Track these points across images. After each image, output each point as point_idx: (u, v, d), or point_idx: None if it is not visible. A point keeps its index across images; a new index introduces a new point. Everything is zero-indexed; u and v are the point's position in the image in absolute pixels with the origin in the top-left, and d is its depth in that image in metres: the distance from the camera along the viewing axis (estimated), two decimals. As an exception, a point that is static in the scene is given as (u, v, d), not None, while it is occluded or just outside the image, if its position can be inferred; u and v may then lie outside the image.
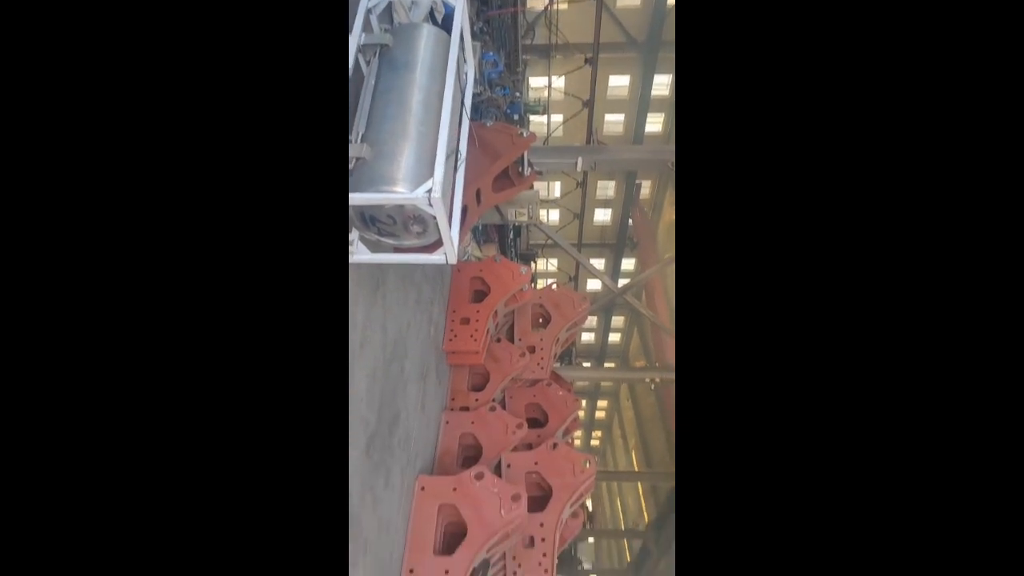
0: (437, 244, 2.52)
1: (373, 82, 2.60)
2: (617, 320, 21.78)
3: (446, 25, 2.87)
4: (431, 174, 2.31)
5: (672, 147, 8.19)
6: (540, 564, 4.14)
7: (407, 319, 3.84)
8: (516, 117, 7.17)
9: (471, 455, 4.58)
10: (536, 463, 4.46)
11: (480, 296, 5.11)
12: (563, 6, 10.53)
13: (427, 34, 2.71)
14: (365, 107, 2.53)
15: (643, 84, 14.83)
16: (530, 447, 4.70)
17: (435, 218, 2.34)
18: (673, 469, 12.80)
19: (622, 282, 14.50)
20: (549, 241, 10.01)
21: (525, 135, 4.04)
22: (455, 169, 2.65)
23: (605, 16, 10.54)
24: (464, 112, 2.88)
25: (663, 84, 15.29)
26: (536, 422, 5.35)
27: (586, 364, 20.26)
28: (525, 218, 6.58)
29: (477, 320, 4.88)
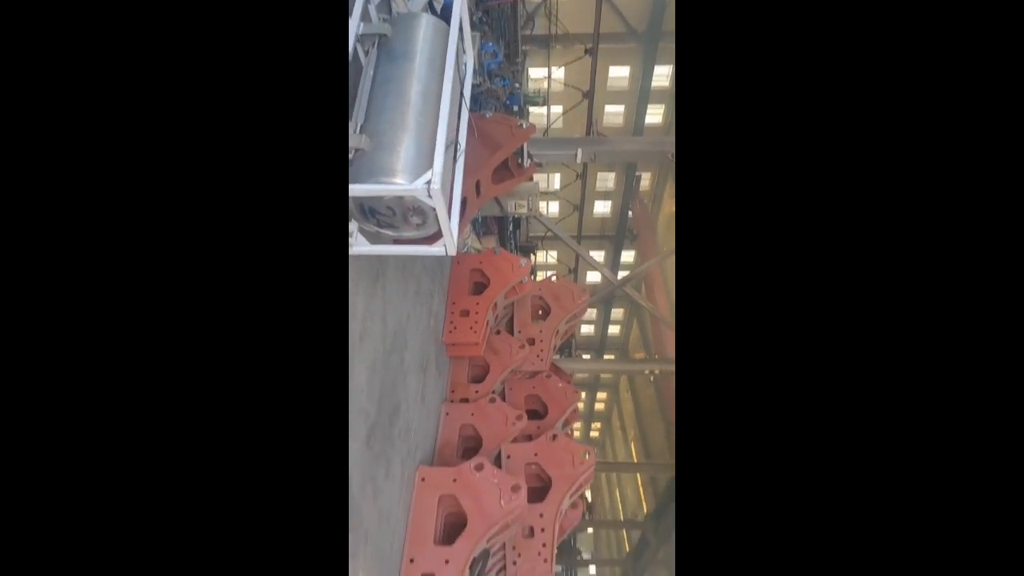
0: (437, 236, 2.52)
1: (372, 72, 2.59)
2: (617, 312, 21.80)
3: (445, 15, 2.85)
4: (430, 165, 2.30)
5: (672, 138, 8.16)
6: (540, 554, 4.18)
7: (407, 311, 3.84)
8: (515, 108, 7.14)
9: (471, 446, 4.60)
10: (536, 454, 4.48)
11: (480, 288, 5.11)
12: (563, -4, 10.45)
13: (426, 24, 2.69)
14: (364, 98, 2.52)
15: (643, 75, 14.75)
16: (530, 438, 4.72)
17: (434, 209, 2.34)
18: (672, 460, 12.87)
19: (622, 274, 14.50)
20: (549, 233, 10.01)
21: (524, 126, 4.02)
22: (454, 160, 2.64)
23: (605, 6, 10.46)
24: (463, 103, 2.86)
25: (663, 75, 15.20)
26: (536, 414, 5.37)
27: (586, 356, 20.31)
28: (525, 210, 6.57)
29: (477, 312, 4.89)
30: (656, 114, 16.42)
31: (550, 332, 5.79)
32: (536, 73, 12.44)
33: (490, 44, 6.22)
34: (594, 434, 28.86)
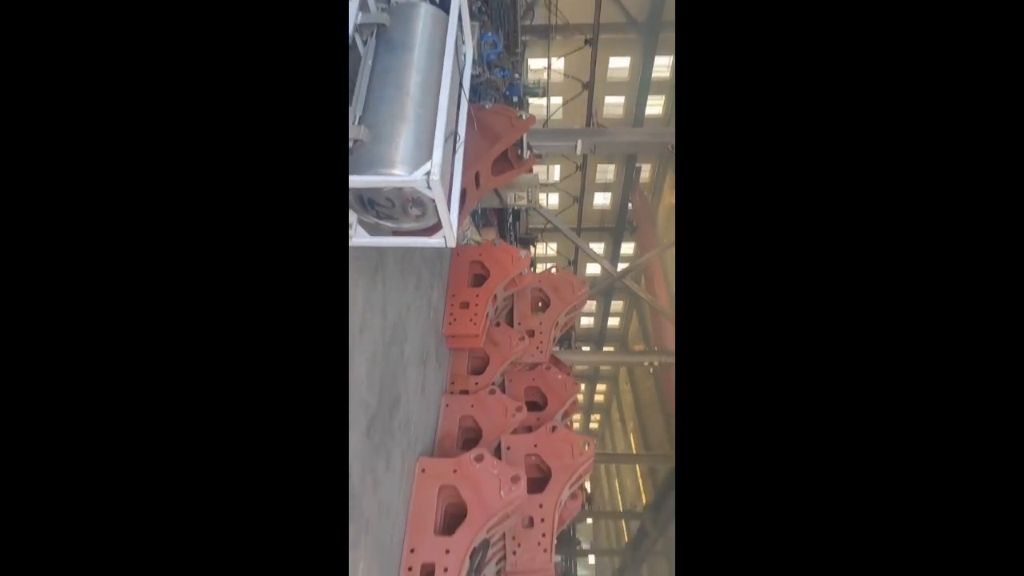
0: (436, 227, 2.51)
1: (370, 63, 2.57)
2: (616, 304, 21.83)
3: (444, 5, 2.82)
4: (430, 156, 2.29)
5: (672, 130, 8.13)
6: (539, 544, 4.20)
7: (406, 303, 3.84)
8: (515, 99, 7.10)
9: (471, 438, 4.62)
10: (535, 445, 4.50)
11: (479, 280, 5.10)
12: (563, -15, 10.38)
13: (425, 14, 2.66)
14: (362, 89, 2.50)
15: (643, 66, 14.68)
16: (529, 430, 4.74)
17: (434, 201, 2.33)
18: (670, 452, 12.95)
19: (621, 266, 14.49)
20: (548, 225, 9.99)
21: (524, 117, 4.00)
22: (454, 151, 2.63)
23: (605, -4, 10.38)
24: (463, 94, 2.85)
25: (664, 66, 15.12)
26: (535, 405, 5.38)
27: (585, 348, 20.36)
28: (524, 202, 6.55)
29: (476, 304, 4.89)
30: (656, 105, 16.35)
31: (550, 324, 5.80)
32: (536, 64, 12.36)
33: (489, 34, 6.18)
34: (593, 425, 28.99)
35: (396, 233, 2.59)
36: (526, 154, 4.37)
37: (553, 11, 10.43)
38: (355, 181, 2.25)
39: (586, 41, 10.40)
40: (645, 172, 18.44)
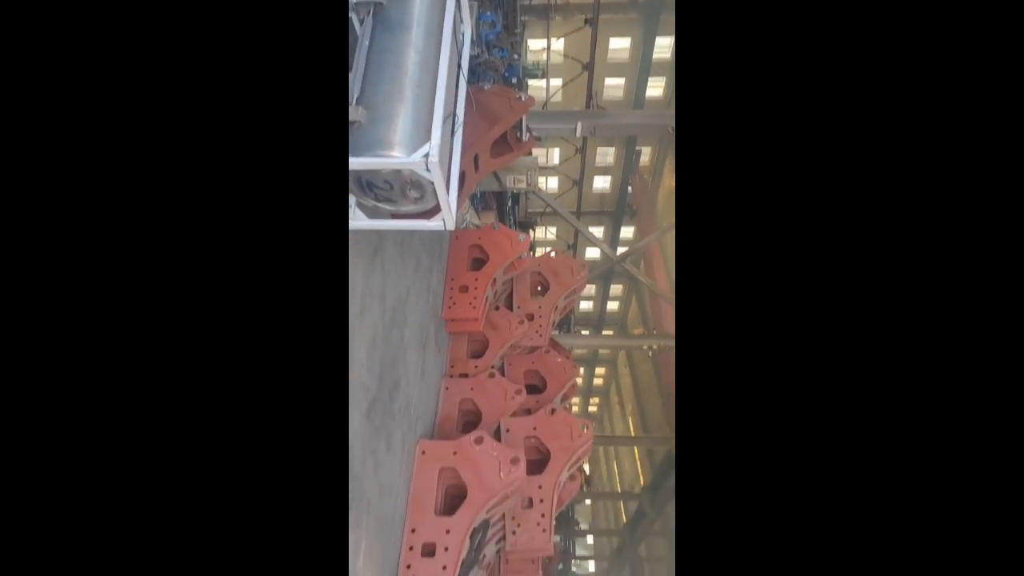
0: (435, 210, 2.50)
1: (367, 43, 2.53)
2: (616, 288, 21.84)
3: (442, -18, 2.77)
4: (428, 138, 2.27)
5: (673, 112, 8.06)
6: (539, 524, 4.26)
7: (406, 286, 3.84)
8: (514, 80, 7.01)
9: (471, 420, 4.66)
10: (535, 428, 4.54)
11: (478, 264, 5.10)
12: (563, -36, 10.20)
13: (422, -8, 2.61)
14: (359, 69, 2.46)
15: (644, 46, 14.48)
16: (529, 412, 4.77)
17: (432, 183, 2.31)
18: (669, 434, 13.07)
19: (621, 250, 14.47)
20: (548, 209, 9.94)
21: (523, 99, 3.96)
22: (452, 133, 2.60)
23: (606, -26, 10.20)
24: (461, 74, 2.81)
25: (665, 46, 14.91)
26: (534, 388, 5.42)
27: (584, 332, 20.42)
28: (524, 185, 6.51)
29: (476, 288, 4.89)
30: (657, 87, 16.17)
31: (549, 308, 5.81)
32: (535, 45, 12.20)
33: (488, 14, 6.08)
34: (592, 408, 29.21)
35: (395, 216, 2.57)
36: (525, 136, 4.33)
37: (552, -10, 10.26)
38: (353, 163, 2.23)
39: (586, 21, 10.24)
40: (645, 155, 18.31)
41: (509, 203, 8.87)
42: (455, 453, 3.86)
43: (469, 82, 2.93)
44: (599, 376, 27.69)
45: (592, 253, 19.18)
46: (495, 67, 6.21)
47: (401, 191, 2.38)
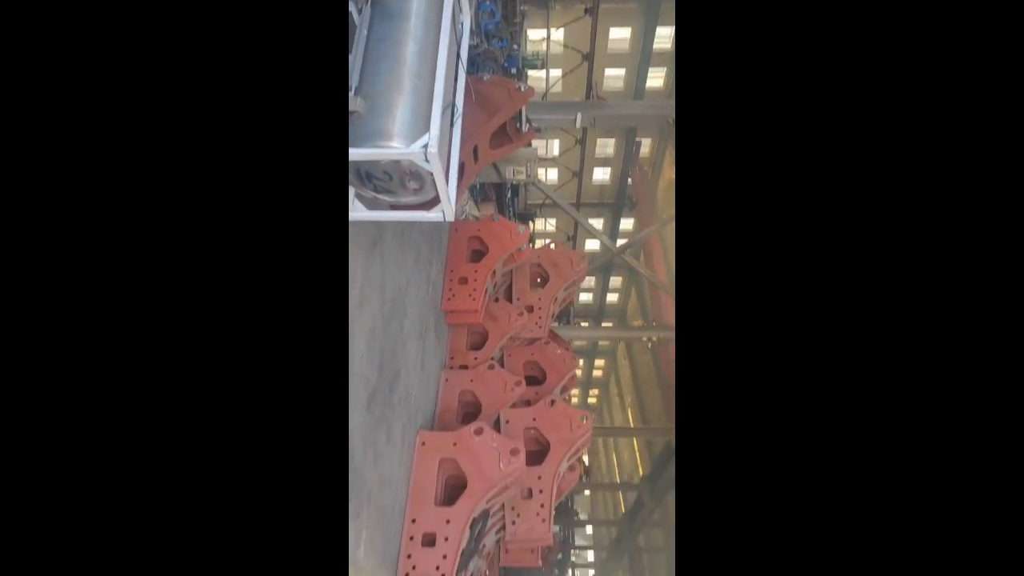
0: (434, 201, 2.49)
1: (366, 32, 2.51)
2: (615, 280, 21.83)
3: (441, -29, 2.74)
4: (427, 128, 2.25)
5: (673, 103, 8.01)
6: (538, 514, 4.29)
7: (405, 278, 3.84)
8: (513, 71, 6.97)
9: (470, 412, 4.67)
10: (534, 419, 4.56)
11: (478, 256, 5.09)
12: (562, -48, 10.10)
13: (421, -20, 2.59)
14: (358, 59, 2.45)
15: (645, 36, 14.37)
16: (528, 404, 4.79)
17: (432, 174, 2.31)
18: (667, 425, 13.12)
19: (620, 242, 14.46)
20: (547, 200, 9.92)
21: (523, 89, 3.94)
22: (451, 124, 2.59)
23: (606, -37, 10.11)
24: (460, 64, 2.79)
25: (666, 37, 14.79)
26: (534, 380, 5.43)
27: (584, 324, 20.43)
28: (523, 176, 6.49)
29: (475, 280, 4.89)
30: (657, 77, 16.06)
31: (548, 299, 5.81)
32: (535, 34, 12.10)
33: (487, 3, 6.03)
34: (592, 400, 29.30)
35: (394, 207, 2.57)
36: (525, 127, 4.31)
37: (552, -21, 10.16)
38: (352, 154, 2.22)
39: (586, 11, 10.17)
40: (645, 146, 18.23)
41: (508, 194, 8.84)
42: (455, 444, 3.88)
43: (468, 72, 2.91)
44: (598, 368, 27.75)
45: (592, 245, 19.15)
46: (494, 57, 6.17)
47: (400, 182, 2.37)
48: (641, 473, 18.45)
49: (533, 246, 7.00)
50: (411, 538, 3.56)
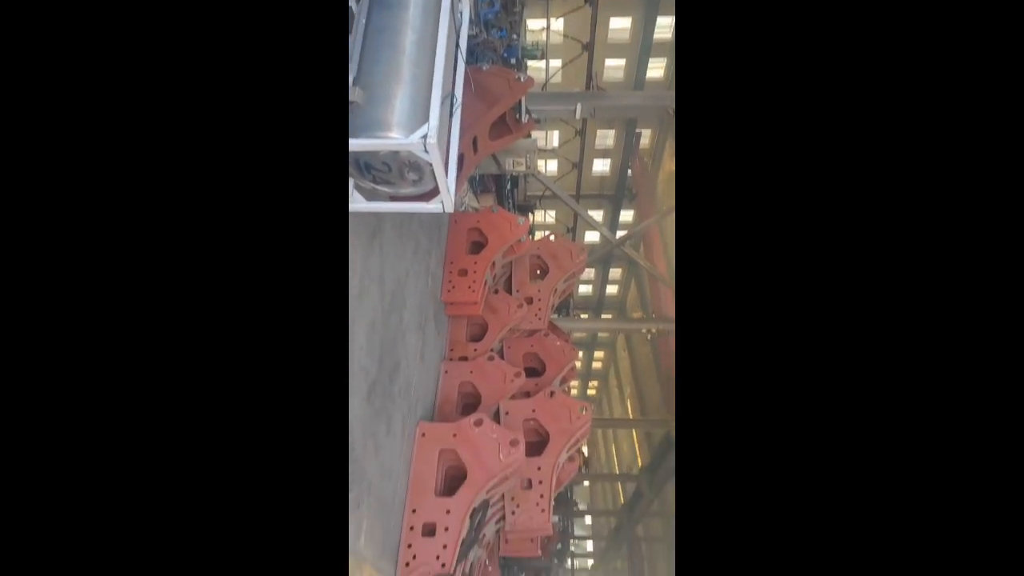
0: (433, 192, 2.48)
1: (364, 21, 2.49)
2: (615, 272, 21.82)
3: (439, -41, 2.71)
4: (426, 119, 2.24)
5: (673, 93, 7.97)
6: (537, 504, 4.32)
7: (405, 269, 3.84)
8: (513, 61, 6.92)
9: (470, 403, 4.69)
10: (534, 410, 4.57)
11: (478, 247, 5.09)
12: (562, -59, 10.00)
13: (419, -31, 2.56)
14: (356, 48, 2.43)
15: (645, 26, 14.26)
16: (528, 395, 4.80)
17: (431, 165, 2.30)
18: (667, 416, 13.17)
19: (620, 233, 14.43)
20: (547, 192, 9.90)
21: (523, 79, 3.91)
22: (451, 114, 2.58)
23: (606, -48, 10.01)
24: (459, 54, 2.77)
25: (666, 27, 14.67)
26: (534, 371, 5.44)
27: (583, 316, 20.45)
28: (523, 168, 6.46)
29: (475, 271, 4.88)
30: (658, 68, 15.95)
31: (548, 291, 5.81)
32: (534, 24, 12.00)
33: (487, -8, 5.97)
34: (591, 392, 29.40)
35: (393, 198, 2.56)
36: (524, 118, 4.29)
37: (552, -32, 10.07)
38: (351, 145, 2.21)
39: (586, 0, 10.08)
40: (645, 138, 18.14)
41: (508, 186, 8.81)
42: (455, 435, 3.89)
43: (467, 62, 2.89)
44: (598, 360, 27.81)
45: (591, 236, 19.11)
46: (494, 47, 6.12)
47: (399, 173, 2.36)
48: (640, 464, 18.54)
49: (533, 238, 6.98)
50: (411, 528, 3.58)
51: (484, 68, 4.11)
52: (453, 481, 3.84)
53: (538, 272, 6.11)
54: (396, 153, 2.28)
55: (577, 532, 22.76)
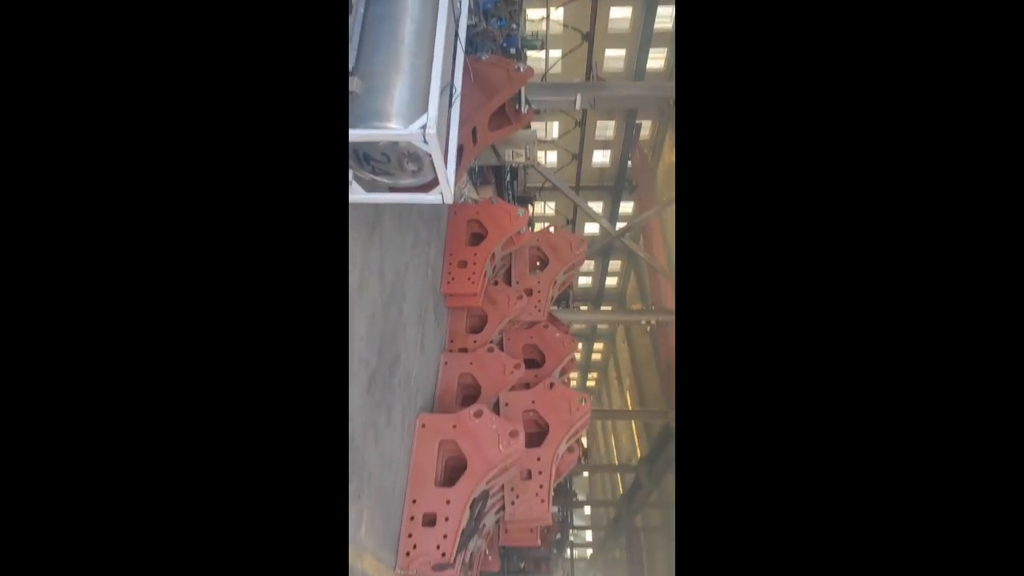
0: (433, 183, 2.47)
1: (362, 10, 2.46)
2: (614, 264, 21.81)
3: (438, -53, 2.68)
4: (425, 109, 2.23)
5: (674, 84, 7.92)
6: (537, 495, 4.34)
7: (404, 261, 3.83)
8: (512, 51, 6.86)
9: (470, 394, 4.70)
10: (533, 401, 4.59)
11: (477, 239, 5.08)
12: (562, -71, 9.90)
13: (418, -43, 2.54)
14: (355, 38, 2.41)
15: (645, 16, 14.15)
16: (528, 387, 4.82)
17: (430, 155, 2.29)
18: (665, 408, 13.21)
19: (620, 225, 14.40)
20: (547, 183, 9.86)
21: (522, 69, 3.88)
22: (450, 105, 2.56)
23: (607, -60, 9.90)
24: (459, 44, 2.75)
25: (667, 16, 14.57)
26: (533, 363, 5.45)
27: (583, 307, 20.47)
28: (522, 159, 6.43)
29: (474, 263, 4.88)
30: (658, 58, 15.86)
31: (548, 282, 5.81)
32: (534, 14, 11.91)
33: (486, -19, 5.91)
34: (591, 383, 29.49)
35: (392, 189, 2.55)
36: (524, 108, 4.26)
37: (552, -43, 9.97)
38: (350, 135, 2.20)
39: (586, -11, 9.99)
40: (645, 129, 18.07)
41: (508, 177, 8.77)
42: (455, 426, 3.91)
43: (466, 52, 2.87)
44: (597, 351, 27.87)
45: (591, 228, 19.10)
46: (493, 37, 6.08)
47: (398, 163, 2.35)
48: (639, 455, 18.64)
49: (532, 229, 6.97)
50: (412, 518, 3.60)
51: (483, 58, 4.07)
52: (453, 472, 3.86)
53: (538, 264, 6.11)
54: (395, 144, 2.27)
55: (576, 522, 22.93)
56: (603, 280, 22.04)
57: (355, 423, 2.94)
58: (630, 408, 22.18)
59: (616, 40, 15.46)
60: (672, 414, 11.53)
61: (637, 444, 21.22)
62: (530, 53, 9.36)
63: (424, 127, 2.18)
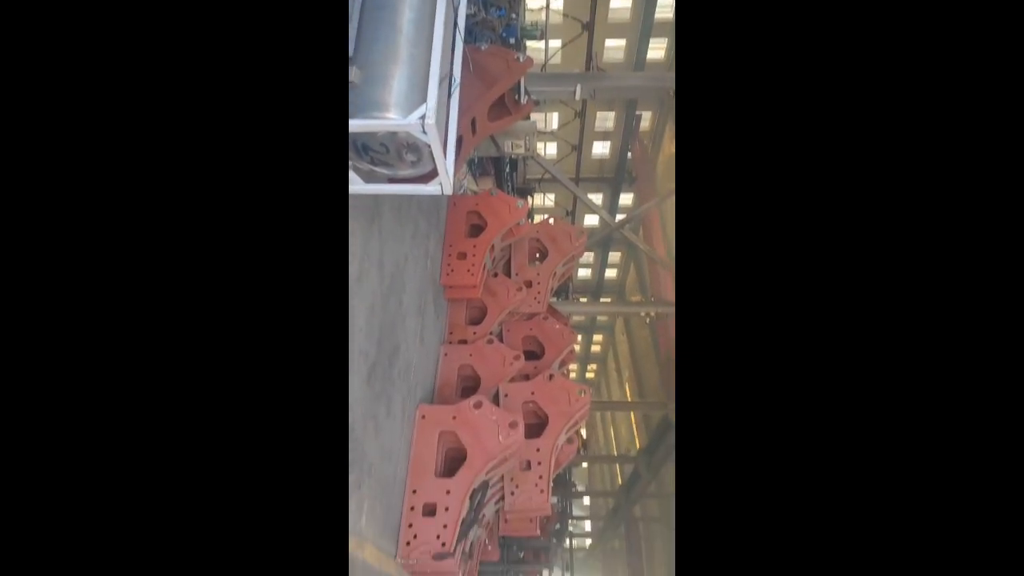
0: (432, 174, 2.47)
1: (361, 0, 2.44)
2: (614, 255, 21.81)
3: (437, -65, 2.65)
4: (424, 99, 2.22)
5: (674, 75, 7.88)
6: (536, 485, 4.37)
7: (404, 253, 3.83)
8: (512, 41, 6.81)
9: (469, 386, 4.71)
10: (533, 393, 4.60)
11: (476, 230, 5.07)
12: (562, -83, 9.80)
13: (416, -55, 2.51)
14: (353, 28, 2.39)
15: (645, 6, 14.04)
16: (527, 378, 4.83)
17: (429, 146, 2.27)
18: (664, 399, 13.27)
19: (620, 217, 14.39)
20: (546, 175, 9.84)
21: (522, 60, 3.85)
22: (449, 95, 2.54)
23: (607, -72, 9.80)
24: (458, 34, 2.72)
25: (667, 6, 14.46)
26: (533, 354, 5.46)
27: (582, 299, 20.48)
28: (522, 150, 6.41)
29: (474, 255, 4.87)
30: (659, 48, 15.76)
31: (547, 274, 5.81)
32: (533, 4, 11.81)
33: (485, -30, 5.86)
34: (590, 375, 29.58)
35: (391, 180, 2.54)
36: (523, 99, 4.24)
37: (552, -55, 9.88)
38: (349, 125, 2.19)
39: (586, -22, 9.90)
40: (645, 120, 17.99)
41: (507, 169, 8.75)
42: (454, 417, 3.92)
43: (465, 42, 2.85)
44: (596, 343, 27.93)
45: (591, 220, 19.06)
46: (492, 27, 6.03)
47: (397, 154, 2.34)
48: (638, 446, 18.73)
49: (532, 221, 6.96)
50: (412, 508, 3.63)
51: (482, 48, 4.04)
52: (453, 462, 3.88)
53: (537, 255, 6.10)
54: (394, 134, 2.26)
55: (575, 512, 23.08)
56: (603, 272, 22.04)
57: (355, 414, 2.95)
58: (629, 399, 22.26)
59: (616, 30, 15.36)
60: (671, 405, 11.58)
61: (636, 435, 21.32)
62: (529, 43, 9.29)
63: (423, 117, 2.17)
